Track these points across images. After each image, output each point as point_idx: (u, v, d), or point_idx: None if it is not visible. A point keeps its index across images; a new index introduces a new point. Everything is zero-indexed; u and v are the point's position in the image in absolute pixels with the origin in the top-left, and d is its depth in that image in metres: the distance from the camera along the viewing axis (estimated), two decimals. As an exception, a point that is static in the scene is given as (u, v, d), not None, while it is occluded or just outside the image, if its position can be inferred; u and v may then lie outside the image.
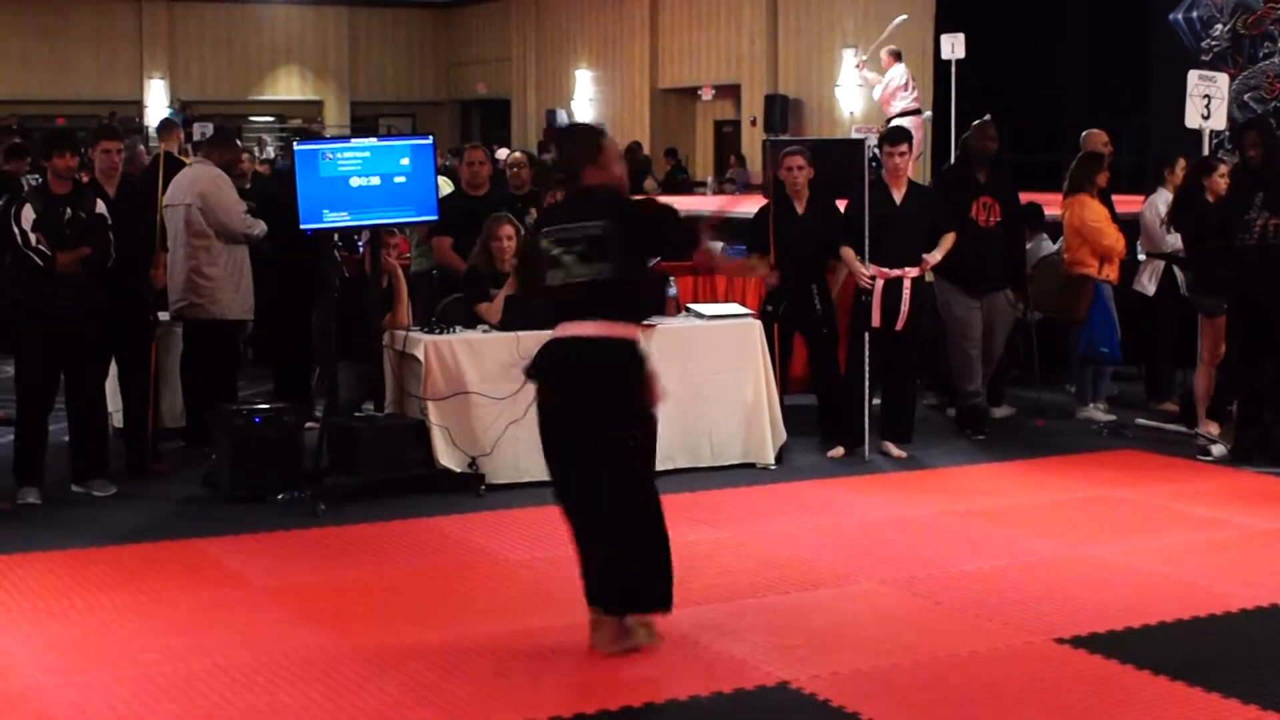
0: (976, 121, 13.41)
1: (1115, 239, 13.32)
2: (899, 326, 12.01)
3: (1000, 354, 13.38)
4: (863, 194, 12.00)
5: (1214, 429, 12.28)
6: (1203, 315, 12.74)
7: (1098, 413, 13.58)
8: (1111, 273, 13.45)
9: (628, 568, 7.39)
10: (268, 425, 10.76)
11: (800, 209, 12.44)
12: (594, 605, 7.46)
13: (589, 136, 7.79)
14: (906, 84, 23.36)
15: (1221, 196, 12.43)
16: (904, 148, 12.33)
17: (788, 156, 12.58)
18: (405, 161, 11.20)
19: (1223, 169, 12.78)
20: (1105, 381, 13.86)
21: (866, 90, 28.45)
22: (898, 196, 12.17)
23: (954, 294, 12.92)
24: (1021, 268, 13.40)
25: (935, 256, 12.17)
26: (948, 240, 12.24)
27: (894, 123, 21.72)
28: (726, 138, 35.53)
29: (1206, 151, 14.08)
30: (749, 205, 13.74)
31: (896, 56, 24.16)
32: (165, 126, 15.36)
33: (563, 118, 38.59)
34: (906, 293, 11.97)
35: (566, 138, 8.54)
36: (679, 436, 11.41)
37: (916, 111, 22.85)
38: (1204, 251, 12.49)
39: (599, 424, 7.34)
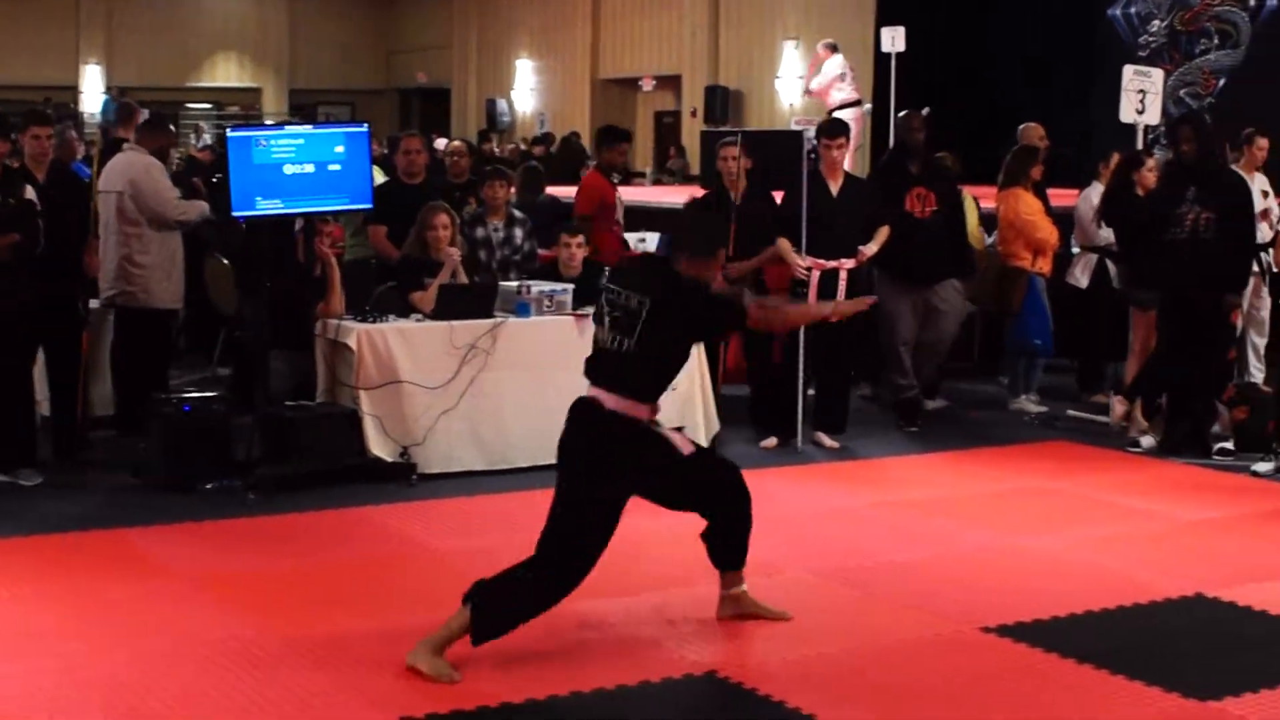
0: (903, 112, 13.45)
1: (1049, 232, 13.37)
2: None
3: (948, 345, 13.33)
4: (799, 186, 12.02)
5: (1120, 407, 12.35)
6: (1134, 308, 12.82)
7: (1030, 404, 13.65)
8: (1045, 265, 13.50)
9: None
10: (198, 414, 10.71)
11: (736, 199, 12.47)
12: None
13: (713, 235, 7.78)
14: (844, 75, 23.38)
15: (1151, 190, 12.50)
16: (841, 140, 12.34)
17: (724, 147, 12.65)
18: (340, 149, 11.15)
19: (1151, 163, 12.88)
20: (1037, 373, 13.93)
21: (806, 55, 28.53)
22: (834, 189, 12.19)
23: (888, 285, 12.92)
24: (966, 258, 13.35)
25: (871, 248, 12.19)
26: (883, 233, 12.28)
27: (834, 115, 21.76)
28: (667, 128, 35.54)
29: (1141, 146, 14.15)
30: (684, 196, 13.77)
31: (833, 48, 24.21)
32: (126, 111, 15.14)
33: (503, 107, 38.57)
34: (842, 284, 11.99)
35: (698, 221, 8.37)
36: (612, 426, 11.43)
37: (857, 103, 22.88)
38: (1135, 245, 12.56)
39: (580, 482, 7.35)
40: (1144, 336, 12.71)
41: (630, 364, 7.25)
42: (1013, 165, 13.61)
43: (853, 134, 21.68)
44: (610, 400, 7.27)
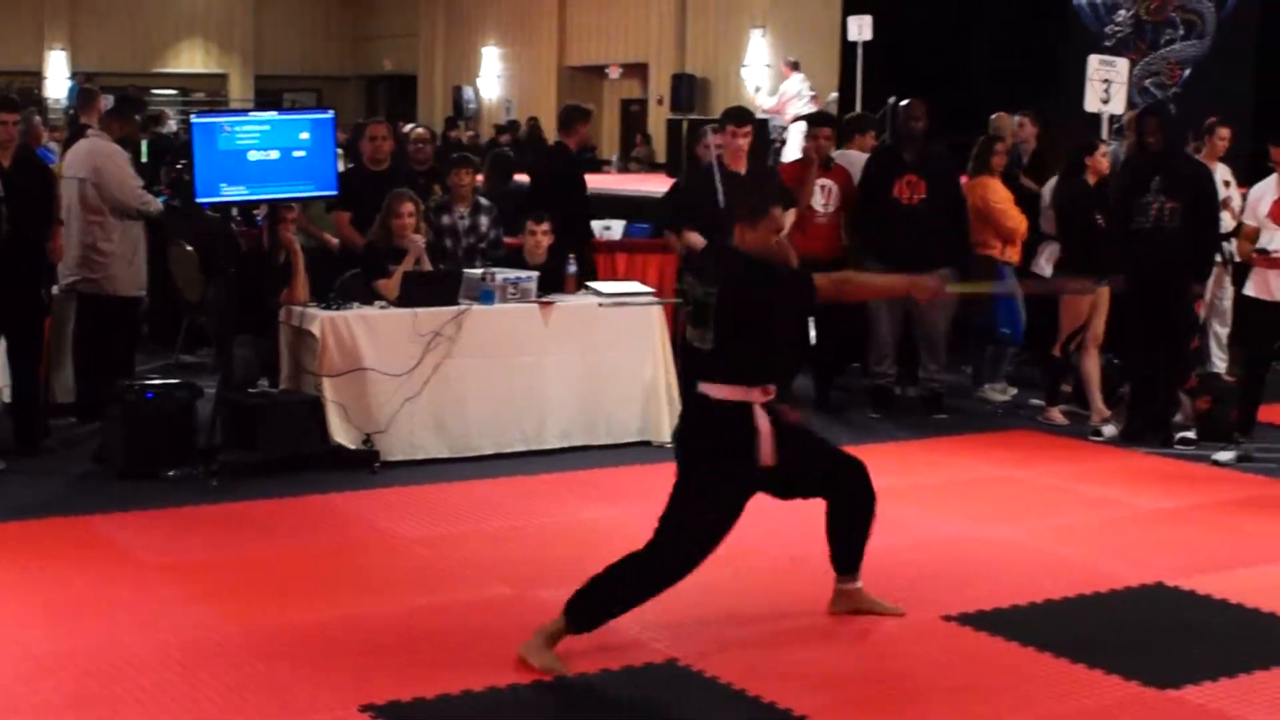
0: (905, 101, 13.39)
1: (1017, 221, 13.35)
2: None
3: (940, 338, 13.24)
4: (695, 173, 12.09)
5: (1056, 413, 12.53)
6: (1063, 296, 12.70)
7: (994, 393, 13.67)
8: (1013, 254, 13.46)
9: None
10: (160, 401, 10.67)
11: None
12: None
13: (762, 193, 7.60)
14: (799, 93, 23.47)
15: (1104, 177, 12.52)
16: (749, 129, 12.34)
17: (708, 134, 12.73)
18: (305, 136, 11.13)
19: (1104, 149, 12.87)
20: (1005, 363, 13.94)
21: (774, 71, 28.66)
22: None
23: (871, 270, 12.92)
24: (962, 248, 13.28)
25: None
26: (789, 216, 12.26)
27: (792, 126, 21.80)
28: (633, 117, 35.54)
29: (1105, 135, 14.18)
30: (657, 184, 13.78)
31: (794, 66, 24.28)
32: (88, 97, 15.09)
33: (469, 94, 38.52)
34: None
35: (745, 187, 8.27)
36: (577, 414, 11.46)
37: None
38: (1072, 231, 12.57)
39: (692, 473, 7.33)
40: (1070, 323, 12.66)
41: (716, 356, 7.22)
42: (980, 154, 13.61)
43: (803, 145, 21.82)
44: (714, 390, 7.23)
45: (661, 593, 7.21)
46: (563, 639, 7.10)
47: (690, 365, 7.46)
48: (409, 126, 18.78)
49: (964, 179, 13.66)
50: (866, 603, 7.89)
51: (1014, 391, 13.71)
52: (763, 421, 7.18)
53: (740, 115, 12.57)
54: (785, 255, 7.55)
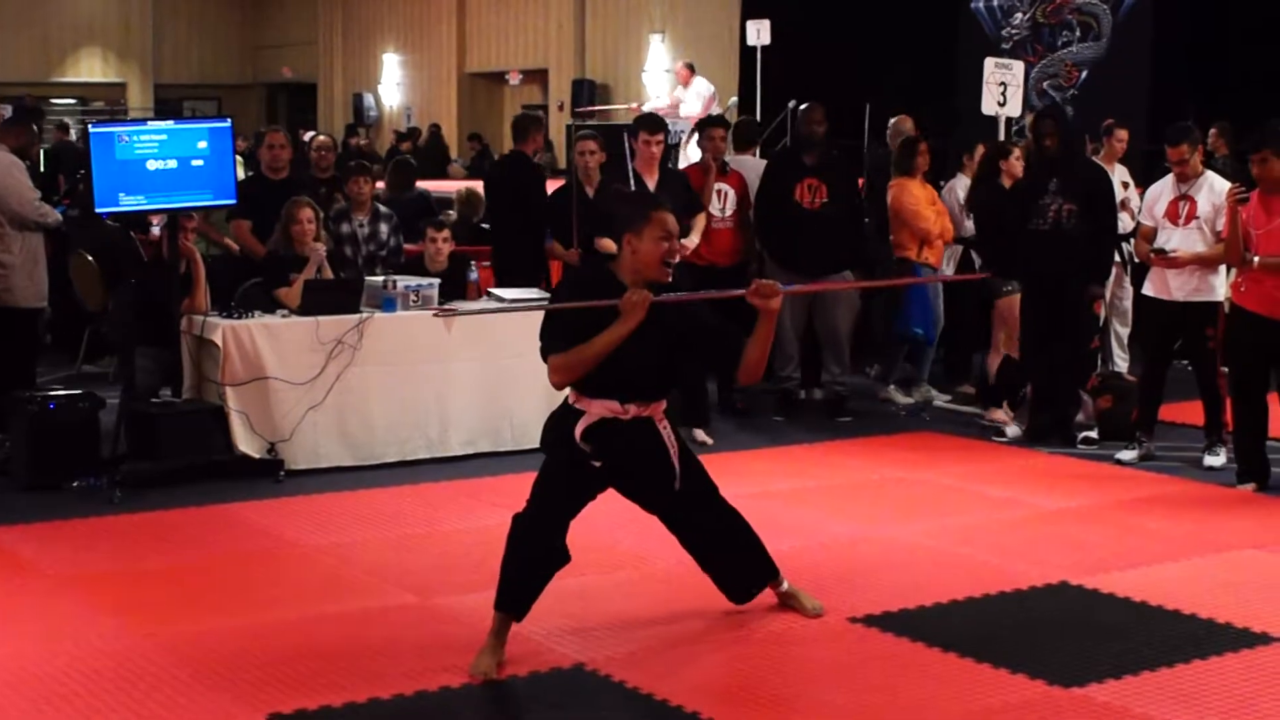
0: (804, 105, 13.48)
1: (932, 222, 13.40)
2: None
3: (843, 339, 13.32)
4: (571, 183, 12.19)
5: (1000, 413, 12.57)
6: (996, 299, 12.90)
7: (898, 395, 13.74)
8: (930, 256, 13.53)
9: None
10: (63, 411, 10.59)
11: (590, 192, 12.48)
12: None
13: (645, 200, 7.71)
14: (713, 94, 23.55)
15: (1016, 181, 12.64)
16: (660, 136, 12.43)
17: (581, 141, 12.73)
18: (203, 144, 11.08)
19: (1018, 153, 13.01)
20: (927, 364, 13.97)
21: (673, 77, 28.67)
22: (650, 183, 12.24)
23: (776, 274, 12.95)
24: (861, 251, 13.39)
25: (693, 240, 12.24)
26: (699, 221, 12.38)
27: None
28: (534, 123, 35.48)
29: (1003, 138, 14.29)
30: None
31: (691, 69, 24.34)
32: None
33: (370, 101, 38.41)
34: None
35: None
36: (480, 420, 11.45)
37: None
38: (994, 235, 12.68)
39: None
40: (1005, 327, 12.79)
41: None
42: (900, 156, 13.70)
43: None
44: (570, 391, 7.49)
45: (538, 553, 7.30)
46: (506, 630, 7.20)
47: None
48: (310, 134, 18.74)
49: (861, 181, 13.76)
50: (793, 599, 7.94)
51: (946, 398, 13.74)
52: (578, 430, 7.31)
53: (653, 122, 12.60)
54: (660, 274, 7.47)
